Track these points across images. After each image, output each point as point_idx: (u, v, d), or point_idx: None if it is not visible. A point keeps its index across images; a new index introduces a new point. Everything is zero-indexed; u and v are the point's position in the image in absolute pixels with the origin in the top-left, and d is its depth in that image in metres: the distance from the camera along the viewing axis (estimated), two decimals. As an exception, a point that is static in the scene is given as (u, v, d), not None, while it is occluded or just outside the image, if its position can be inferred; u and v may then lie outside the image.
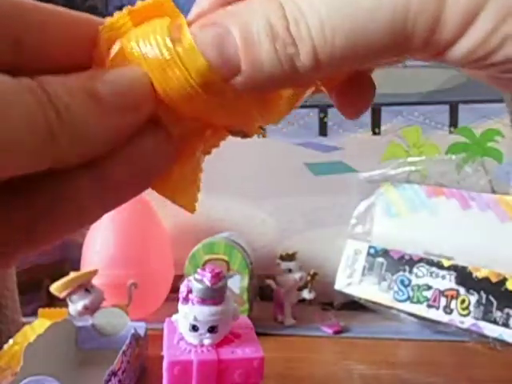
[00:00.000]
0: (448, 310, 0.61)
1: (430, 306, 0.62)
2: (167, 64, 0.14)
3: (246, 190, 0.77)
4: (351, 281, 0.69)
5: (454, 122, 0.78)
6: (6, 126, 0.12)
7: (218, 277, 0.35)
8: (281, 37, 0.14)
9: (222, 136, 0.18)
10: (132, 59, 0.15)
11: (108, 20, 0.16)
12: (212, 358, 0.34)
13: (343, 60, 0.15)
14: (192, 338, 0.35)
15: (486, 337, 0.58)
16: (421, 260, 0.64)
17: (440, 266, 0.63)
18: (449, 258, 0.63)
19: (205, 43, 0.15)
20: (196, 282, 0.35)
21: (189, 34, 0.15)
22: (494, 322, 0.57)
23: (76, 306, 0.54)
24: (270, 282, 0.67)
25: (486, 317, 0.58)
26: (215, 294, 0.35)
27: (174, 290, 0.67)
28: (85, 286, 0.54)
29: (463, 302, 0.60)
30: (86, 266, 0.66)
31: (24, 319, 0.62)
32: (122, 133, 0.14)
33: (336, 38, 0.14)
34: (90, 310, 0.54)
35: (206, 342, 0.35)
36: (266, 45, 0.14)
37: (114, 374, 0.41)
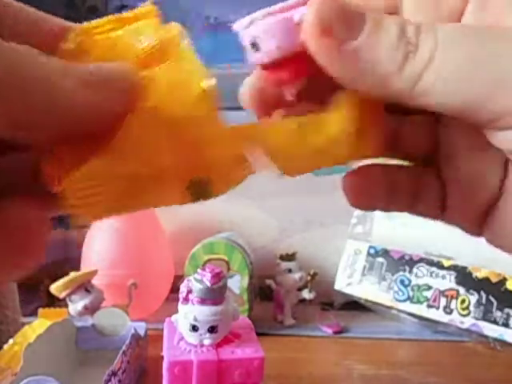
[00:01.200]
0: (448, 310, 0.61)
1: (429, 306, 0.62)
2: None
3: (246, 190, 0.77)
4: (351, 281, 0.69)
5: (453, 122, 0.78)
6: None
7: (218, 277, 0.35)
8: (407, 36, 0.15)
9: None
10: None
11: (84, 24, 0.16)
12: (212, 358, 0.34)
13: (437, 97, 0.15)
14: (192, 338, 0.35)
15: (486, 337, 0.58)
16: (421, 260, 0.65)
17: (440, 266, 0.63)
18: (449, 258, 0.63)
19: (331, 6, 0.15)
20: (196, 282, 0.35)
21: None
22: (494, 321, 0.57)
23: (76, 306, 0.54)
24: (269, 282, 0.67)
25: (486, 317, 0.58)
26: (215, 294, 0.35)
27: (174, 290, 0.67)
28: (85, 286, 0.54)
29: (463, 302, 0.60)
30: (86, 266, 0.66)
31: (24, 319, 0.62)
32: (101, 112, 0.14)
33: (453, 67, 0.15)
34: (90, 310, 0.54)
35: (206, 342, 0.35)
36: (391, 34, 0.15)
37: (114, 374, 0.41)
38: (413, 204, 0.21)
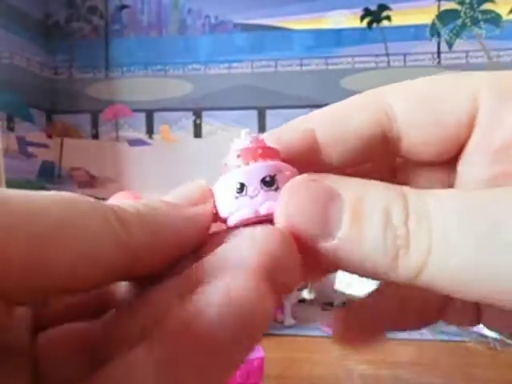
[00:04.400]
0: (448, 310, 0.61)
1: (430, 306, 0.62)
2: None
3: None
4: (351, 281, 0.68)
5: (454, 122, 0.78)
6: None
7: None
8: (394, 225, 0.13)
9: None
10: None
11: None
12: (212, 358, 0.34)
13: (446, 287, 0.13)
14: (192, 338, 0.35)
15: (486, 337, 0.58)
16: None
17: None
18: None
19: (311, 199, 0.13)
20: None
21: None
22: (494, 322, 0.57)
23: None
24: (269, 282, 0.66)
25: (486, 317, 0.58)
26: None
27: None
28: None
29: (463, 302, 0.60)
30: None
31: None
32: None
33: (458, 259, 0.12)
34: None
35: (206, 342, 0.35)
36: (375, 226, 0.13)
37: (114, 374, 0.40)
38: (439, 317, 0.18)
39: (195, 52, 0.82)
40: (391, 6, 0.78)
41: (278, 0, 0.80)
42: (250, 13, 0.81)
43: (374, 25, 0.79)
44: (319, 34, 0.80)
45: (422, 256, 0.12)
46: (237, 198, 0.14)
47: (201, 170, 0.82)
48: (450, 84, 0.16)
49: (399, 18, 0.78)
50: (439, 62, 0.78)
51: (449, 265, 0.12)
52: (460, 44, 0.78)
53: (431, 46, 0.78)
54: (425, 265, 0.12)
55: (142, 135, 0.84)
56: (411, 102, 0.16)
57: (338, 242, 0.13)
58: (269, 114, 0.81)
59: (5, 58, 0.72)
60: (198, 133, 0.83)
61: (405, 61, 0.78)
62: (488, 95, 0.15)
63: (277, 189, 0.14)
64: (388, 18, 0.79)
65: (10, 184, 0.69)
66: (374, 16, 0.79)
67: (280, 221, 0.14)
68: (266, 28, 0.81)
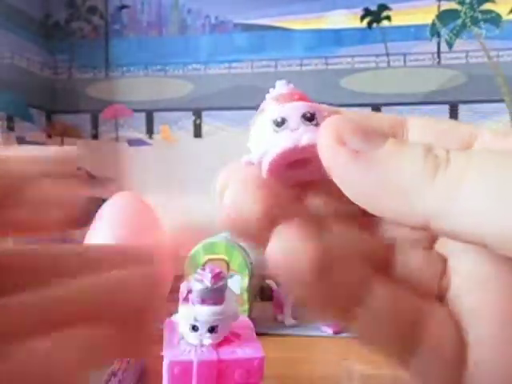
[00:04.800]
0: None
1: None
2: None
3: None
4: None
5: (454, 122, 0.78)
6: None
7: (218, 277, 0.35)
8: (435, 153, 0.13)
9: None
10: None
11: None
12: (212, 358, 0.34)
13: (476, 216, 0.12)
14: (192, 338, 0.35)
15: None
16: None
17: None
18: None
19: (347, 121, 0.14)
20: (196, 281, 0.35)
21: None
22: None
23: (76, 306, 0.54)
24: (269, 282, 0.66)
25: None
26: (215, 294, 0.35)
27: (174, 290, 0.67)
28: (85, 286, 0.54)
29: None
30: (86, 265, 0.65)
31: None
32: None
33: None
34: (90, 310, 0.54)
35: (206, 342, 0.35)
36: (416, 147, 0.13)
37: (113, 374, 0.41)
38: None
39: (195, 52, 0.82)
40: (391, 6, 0.78)
41: (278, 0, 0.80)
42: (250, 13, 0.81)
43: (374, 25, 0.79)
44: (319, 34, 0.80)
45: (461, 171, 0.12)
46: (277, 132, 0.15)
47: (201, 170, 0.82)
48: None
49: (399, 17, 0.78)
50: (439, 62, 0.78)
51: (483, 189, 0.12)
52: (460, 44, 0.78)
53: (431, 45, 0.78)
54: (461, 183, 0.12)
55: (142, 135, 0.84)
56: None
57: (379, 153, 0.13)
58: (269, 114, 0.81)
59: (5, 58, 0.72)
60: (198, 133, 0.83)
61: (405, 61, 0.78)
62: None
63: (317, 124, 0.14)
64: (388, 18, 0.79)
65: (10, 184, 0.69)
66: (374, 16, 0.79)
67: (324, 144, 0.14)
68: (265, 28, 0.81)
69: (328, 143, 0.14)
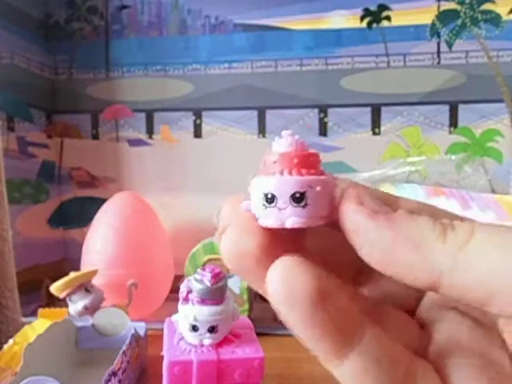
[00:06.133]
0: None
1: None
2: None
3: (246, 190, 0.77)
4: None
5: (453, 122, 0.78)
6: None
7: (217, 277, 0.35)
8: (441, 221, 0.15)
9: None
10: None
11: None
12: (212, 358, 0.34)
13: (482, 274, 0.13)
14: (192, 338, 0.35)
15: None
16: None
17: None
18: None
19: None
20: (196, 282, 0.35)
21: None
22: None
23: (76, 306, 0.54)
24: (269, 282, 0.66)
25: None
26: (215, 294, 0.35)
27: (174, 290, 0.67)
28: (85, 286, 0.55)
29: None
30: (86, 266, 0.66)
31: (24, 319, 0.62)
32: None
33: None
34: (90, 310, 0.54)
35: (206, 342, 0.35)
36: (424, 217, 0.15)
37: (113, 374, 0.41)
38: None
39: (195, 52, 0.82)
40: (391, 6, 0.78)
41: (278, 0, 0.80)
42: (250, 13, 0.81)
43: (374, 25, 0.79)
44: (319, 34, 0.80)
45: (469, 230, 0.14)
46: (266, 207, 0.15)
47: (201, 170, 0.82)
48: None
49: (399, 18, 0.78)
50: (439, 62, 0.78)
51: (481, 256, 0.13)
52: (460, 44, 0.78)
53: (431, 46, 0.78)
54: (471, 238, 0.14)
55: (142, 135, 0.84)
56: None
57: (395, 214, 0.15)
58: (269, 113, 0.81)
59: (5, 58, 0.72)
60: (198, 133, 0.83)
61: (405, 61, 0.78)
62: None
63: (305, 206, 0.15)
64: (388, 18, 0.79)
65: (10, 184, 0.69)
66: (374, 16, 0.79)
67: (346, 206, 0.15)
68: (265, 28, 0.81)
69: (349, 205, 0.15)
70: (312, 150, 0.16)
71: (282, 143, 0.16)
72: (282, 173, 0.15)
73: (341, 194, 0.16)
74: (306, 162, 0.15)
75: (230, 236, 0.15)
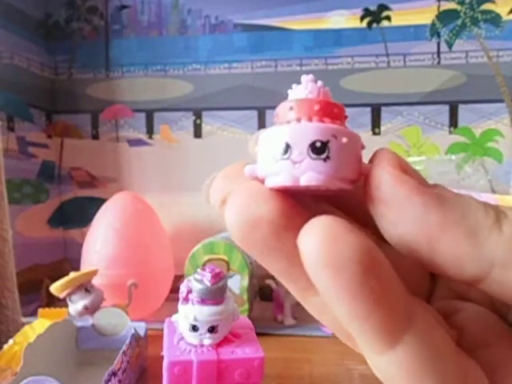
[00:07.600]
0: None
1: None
2: None
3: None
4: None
5: (454, 122, 0.78)
6: None
7: (217, 277, 0.35)
8: (494, 207, 0.12)
9: None
10: None
11: None
12: (212, 358, 0.34)
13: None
14: (192, 337, 0.35)
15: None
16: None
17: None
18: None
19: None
20: (196, 282, 0.35)
21: None
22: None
23: (76, 306, 0.54)
24: (269, 281, 0.66)
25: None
26: (215, 294, 0.35)
27: (174, 290, 0.67)
28: (85, 286, 0.54)
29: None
30: (86, 266, 0.66)
31: (24, 319, 0.62)
32: None
33: None
34: (90, 310, 0.54)
35: (206, 342, 0.35)
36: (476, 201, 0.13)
37: (113, 374, 0.41)
38: None
39: (195, 52, 0.82)
40: (391, 6, 0.78)
41: (278, 0, 0.80)
42: (250, 13, 0.81)
43: (374, 25, 0.79)
44: (319, 34, 0.80)
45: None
46: (278, 160, 0.12)
47: (201, 170, 0.82)
48: None
49: (399, 18, 0.78)
50: (439, 62, 0.78)
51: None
52: (460, 44, 0.78)
53: (431, 46, 0.78)
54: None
55: (142, 135, 0.84)
56: None
57: (447, 191, 0.12)
58: (269, 113, 0.81)
59: (5, 58, 0.72)
60: (198, 133, 0.83)
61: (405, 61, 0.78)
62: None
63: (326, 159, 0.12)
64: (388, 18, 0.79)
65: (10, 184, 0.69)
66: (374, 16, 0.79)
67: (385, 170, 0.12)
68: (266, 28, 0.81)
69: (390, 170, 0.12)
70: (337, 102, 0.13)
71: (301, 90, 0.13)
72: (299, 120, 0.12)
73: (374, 154, 0.13)
74: (330, 111, 0.12)
75: (237, 202, 0.12)
